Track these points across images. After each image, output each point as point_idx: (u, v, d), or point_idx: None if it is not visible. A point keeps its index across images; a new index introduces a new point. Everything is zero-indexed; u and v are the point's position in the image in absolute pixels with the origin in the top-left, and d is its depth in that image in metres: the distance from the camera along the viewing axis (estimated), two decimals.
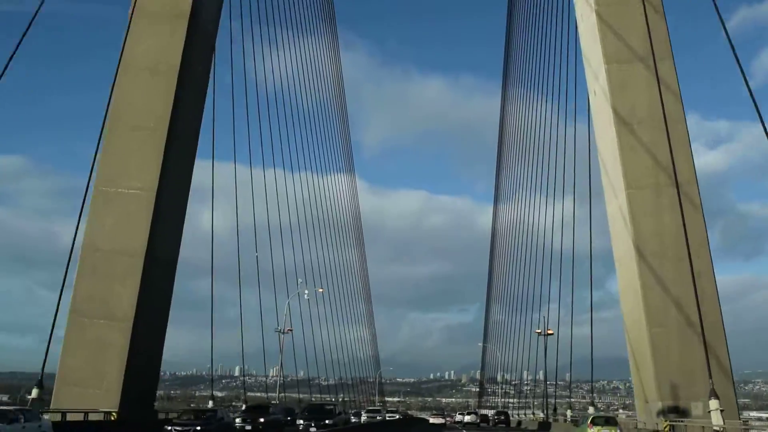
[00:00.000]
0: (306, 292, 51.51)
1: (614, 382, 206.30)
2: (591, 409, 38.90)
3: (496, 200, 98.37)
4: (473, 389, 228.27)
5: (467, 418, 75.29)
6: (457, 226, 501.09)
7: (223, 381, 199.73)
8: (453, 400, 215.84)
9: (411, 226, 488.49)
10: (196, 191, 40.14)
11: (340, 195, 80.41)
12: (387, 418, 59.68)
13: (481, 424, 72.73)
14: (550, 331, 50.46)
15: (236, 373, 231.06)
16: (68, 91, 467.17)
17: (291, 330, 52.47)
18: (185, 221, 31.05)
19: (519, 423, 73.21)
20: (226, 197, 43.07)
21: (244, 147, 51.23)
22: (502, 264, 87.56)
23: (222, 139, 46.31)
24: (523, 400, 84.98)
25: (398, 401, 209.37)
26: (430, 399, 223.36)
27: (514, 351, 77.58)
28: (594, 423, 29.00)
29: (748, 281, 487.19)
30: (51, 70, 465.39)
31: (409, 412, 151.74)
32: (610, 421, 29.62)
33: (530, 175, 61.90)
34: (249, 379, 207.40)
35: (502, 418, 73.79)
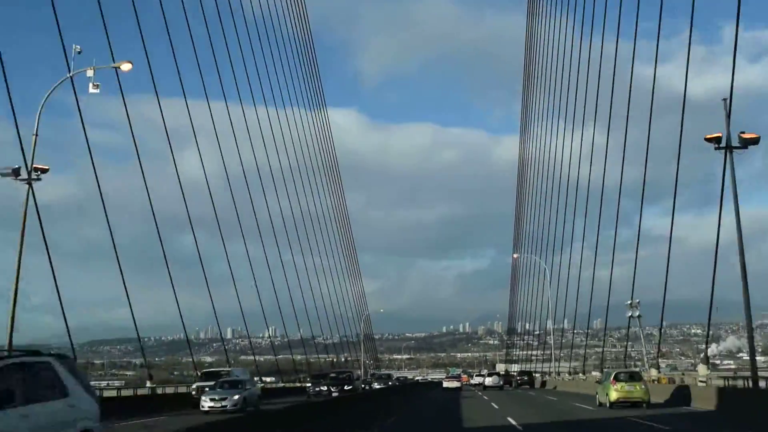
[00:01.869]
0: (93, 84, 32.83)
1: (648, 328, 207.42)
2: (657, 371, 37.84)
3: (523, 130, 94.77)
4: (491, 341, 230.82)
5: (488, 381, 67.08)
6: (470, 161, 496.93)
7: (214, 345, 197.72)
8: (469, 354, 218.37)
9: (419, 164, 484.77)
10: (165, 132, 40.40)
11: (313, 134, 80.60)
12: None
13: (505, 386, 66.91)
14: (751, 135, 28.79)
15: (228, 335, 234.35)
16: None
17: (45, 170, 29.82)
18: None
19: (543, 384, 69.40)
20: (205, 141, 43.90)
21: (214, 85, 49.94)
22: (528, 201, 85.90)
23: (189, 75, 45.92)
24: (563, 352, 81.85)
25: (408, 358, 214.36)
26: (443, 354, 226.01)
27: (544, 297, 75.10)
28: (617, 379, 29.72)
29: None
30: None
31: (412, 375, 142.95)
32: (634, 377, 30.16)
33: (561, 100, 61.19)
34: (242, 341, 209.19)
35: (525, 378, 69.74)
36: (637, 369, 36.68)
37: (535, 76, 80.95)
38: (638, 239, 39.30)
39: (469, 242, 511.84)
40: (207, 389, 32.01)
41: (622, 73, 44.42)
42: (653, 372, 38.38)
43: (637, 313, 52.13)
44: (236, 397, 29.90)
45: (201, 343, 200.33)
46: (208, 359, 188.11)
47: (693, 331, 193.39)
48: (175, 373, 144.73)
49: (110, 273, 33.38)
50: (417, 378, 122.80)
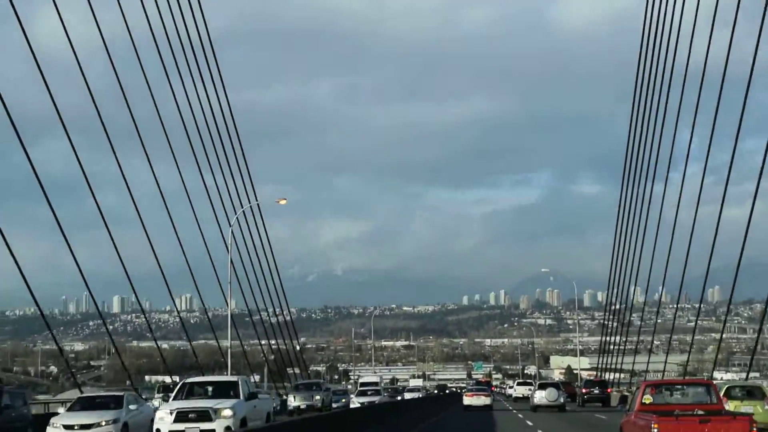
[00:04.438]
0: None
1: None
2: None
3: None
4: (541, 321, 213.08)
5: (540, 397, 64.80)
6: (514, 27, 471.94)
7: (91, 323, 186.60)
8: (505, 341, 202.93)
9: (433, 31, 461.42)
10: None
11: None
12: None
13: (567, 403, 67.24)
14: None
15: (115, 308, 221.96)
16: None
17: None
18: None
19: (624, 399, 69.37)
20: None
21: None
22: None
23: None
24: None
25: (405, 346, 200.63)
26: (462, 341, 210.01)
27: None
28: (730, 396, 33.17)
29: None
30: None
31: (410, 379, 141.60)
32: (754, 394, 34.23)
33: None
34: (137, 318, 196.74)
35: (596, 391, 73.22)
36: (757, 384, 41.83)
37: None
38: None
39: (510, 160, 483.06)
40: None
41: None
42: None
43: None
44: None
45: (69, 321, 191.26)
46: (79, 346, 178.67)
47: None
48: (16, 369, 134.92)
49: None
50: (401, 386, 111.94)
